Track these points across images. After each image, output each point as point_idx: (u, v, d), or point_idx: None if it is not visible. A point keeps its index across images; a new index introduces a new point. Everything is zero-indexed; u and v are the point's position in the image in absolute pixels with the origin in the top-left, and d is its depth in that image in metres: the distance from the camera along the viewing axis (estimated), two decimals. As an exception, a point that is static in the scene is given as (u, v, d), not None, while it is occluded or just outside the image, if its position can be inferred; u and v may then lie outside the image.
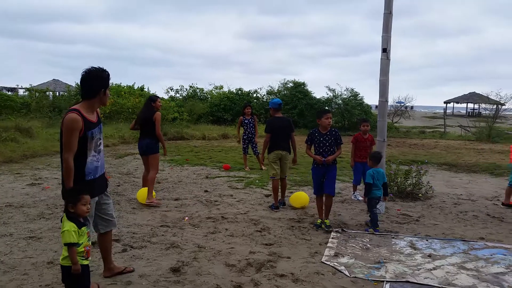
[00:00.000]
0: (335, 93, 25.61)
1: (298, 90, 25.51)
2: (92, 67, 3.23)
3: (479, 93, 42.04)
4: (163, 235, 4.81)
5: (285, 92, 25.91)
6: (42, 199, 6.33)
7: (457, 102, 52.89)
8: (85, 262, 2.94)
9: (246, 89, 27.29)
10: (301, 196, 6.32)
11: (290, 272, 3.83)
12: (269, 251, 4.35)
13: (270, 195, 6.95)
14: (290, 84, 26.20)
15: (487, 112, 27.13)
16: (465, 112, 51.31)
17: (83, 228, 2.93)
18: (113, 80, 31.44)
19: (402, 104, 35.51)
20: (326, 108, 24.52)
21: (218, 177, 8.58)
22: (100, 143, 3.35)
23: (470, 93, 49.56)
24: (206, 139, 17.54)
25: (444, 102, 52.12)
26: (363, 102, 25.84)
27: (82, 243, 2.90)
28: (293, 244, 4.62)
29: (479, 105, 43.60)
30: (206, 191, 7.21)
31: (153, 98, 6.56)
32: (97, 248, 3.72)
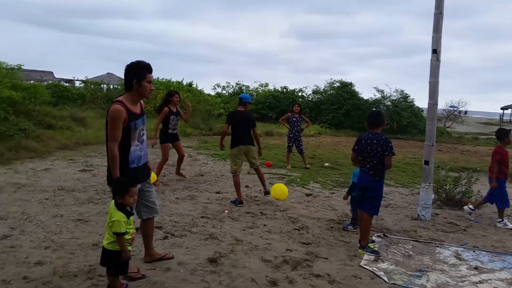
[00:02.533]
0: (384, 94, 24.94)
1: (345, 90, 25.09)
2: (131, 62, 3.35)
3: (541, 100, 39.23)
4: (203, 226, 4.90)
5: (331, 91, 25.56)
6: (92, 185, 6.66)
7: (516, 109, 49.69)
8: (129, 248, 3.06)
9: (291, 87, 27.15)
10: (279, 189, 6.08)
11: (326, 273, 3.77)
12: (306, 250, 4.31)
13: (311, 194, 6.90)
14: (337, 84, 25.80)
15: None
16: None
17: (131, 218, 3.05)
18: (163, 75, 32.35)
19: (455, 109, 33.88)
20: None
21: (260, 173, 8.60)
22: (143, 133, 3.46)
23: (531, 99, 46.39)
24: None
25: (501, 108, 49.19)
26: (414, 104, 24.99)
27: (129, 231, 3.02)
28: (331, 245, 4.55)
29: (541, 113, 40.83)
30: (247, 186, 7.26)
31: (171, 93, 7.25)
32: (139, 234, 3.85)
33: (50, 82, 31.21)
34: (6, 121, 9.99)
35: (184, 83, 23.85)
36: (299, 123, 9.57)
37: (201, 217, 5.27)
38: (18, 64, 11.54)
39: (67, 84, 33.86)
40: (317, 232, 4.96)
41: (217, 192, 6.64)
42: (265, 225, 5.07)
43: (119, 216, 2.97)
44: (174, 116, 7.17)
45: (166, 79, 23.01)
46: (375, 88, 25.52)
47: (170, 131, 7.17)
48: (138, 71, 3.33)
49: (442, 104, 33.06)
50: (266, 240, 4.55)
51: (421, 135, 23.90)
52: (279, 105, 25.63)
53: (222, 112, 21.69)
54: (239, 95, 6.56)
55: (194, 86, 23.82)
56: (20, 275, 3.29)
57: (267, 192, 6.28)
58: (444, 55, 5.91)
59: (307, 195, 6.87)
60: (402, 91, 24.93)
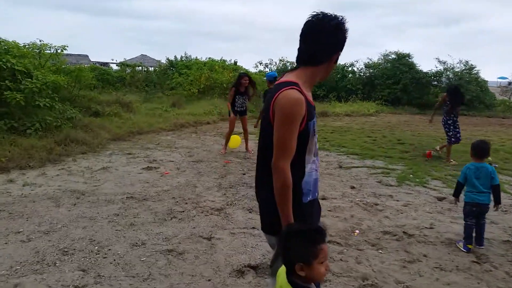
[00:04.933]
0: (447, 66, 22.58)
1: (401, 63, 22.90)
2: (322, 13, 1.86)
3: None
4: (341, 259, 3.46)
5: (386, 64, 23.41)
6: (165, 189, 5.36)
7: None
8: None
9: (341, 62, 25.14)
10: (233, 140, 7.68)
11: None
12: (524, 306, 2.81)
13: (444, 198, 5.34)
14: (392, 55, 23.59)
15: None
16: None
17: None
18: (195, 54, 30.95)
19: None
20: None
21: (354, 167, 7.08)
22: (316, 138, 2.02)
23: None
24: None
25: None
26: (479, 76, 22.51)
27: None
28: (549, 293, 3.02)
29: None
30: (352, 187, 5.76)
31: (240, 76, 7.99)
32: None
33: (87, 65, 30.40)
34: (52, 110, 8.88)
35: (227, 62, 22.40)
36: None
37: (328, 241, 3.84)
38: (62, 45, 10.35)
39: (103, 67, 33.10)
40: (507, 267, 3.42)
41: (323, 198, 5.17)
42: (425, 256, 3.58)
43: None
44: (239, 96, 7.87)
45: (210, 58, 21.61)
46: (436, 59, 23.31)
47: (236, 108, 7.90)
48: (343, 39, 1.88)
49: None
50: (449, 286, 3.07)
51: (488, 110, 21.52)
52: (327, 82, 23.80)
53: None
54: (269, 73, 7.29)
55: (239, 65, 22.29)
56: None
57: None
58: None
59: (440, 199, 5.29)
60: (467, 62, 22.48)
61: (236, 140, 8.05)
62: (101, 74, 21.26)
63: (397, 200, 5.18)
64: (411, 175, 6.41)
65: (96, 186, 5.46)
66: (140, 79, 22.23)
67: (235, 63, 22.21)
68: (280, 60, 27.37)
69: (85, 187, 5.40)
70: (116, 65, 28.32)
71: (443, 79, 22.92)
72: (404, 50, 24.87)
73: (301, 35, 1.88)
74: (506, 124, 15.51)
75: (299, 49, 1.91)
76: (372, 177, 6.33)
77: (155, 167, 6.59)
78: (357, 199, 5.16)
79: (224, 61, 21.84)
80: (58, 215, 4.32)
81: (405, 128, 13.19)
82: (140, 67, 26.77)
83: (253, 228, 4.05)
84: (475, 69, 22.31)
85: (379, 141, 9.77)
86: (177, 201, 4.89)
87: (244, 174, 6.34)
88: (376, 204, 4.98)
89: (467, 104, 21.75)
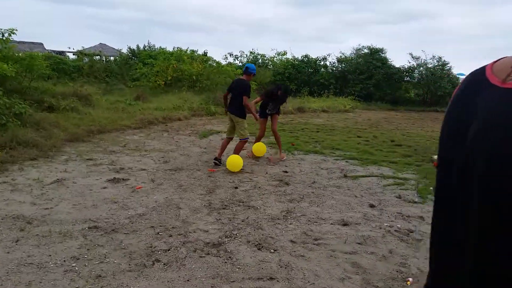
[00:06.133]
0: (420, 61, 22.33)
1: (374, 58, 22.45)
2: None
3: None
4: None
5: (359, 60, 22.85)
6: (140, 213, 4.14)
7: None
8: None
9: (313, 55, 24.41)
10: (234, 162, 5.95)
11: None
12: None
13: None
14: (365, 50, 23.09)
15: None
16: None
17: None
18: (159, 44, 29.19)
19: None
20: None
21: (360, 176, 6.12)
22: None
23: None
24: (281, 113, 15.14)
25: None
26: (452, 73, 22.43)
27: None
28: None
29: None
30: (372, 205, 4.74)
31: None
32: None
33: (42, 54, 27.76)
34: (-6, 104, 7.35)
35: (197, 53, 21.00)
36: None
37: (376, 296, 2.81)
38: (10, 29, 8.72)
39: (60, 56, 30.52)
40: None
41: (344, 224, 4.14)
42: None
43: None
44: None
45: (178, 48, 20.13)
46: (409, 54, 23.03)
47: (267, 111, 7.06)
48: None
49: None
50: None
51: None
52: (300, 76, 23.00)
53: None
54: (247, 64, 6.55)
55: (209, 55, 20.95)
56: None
57: (217, 160, 6.27)
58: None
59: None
60: (440, 58, 22.30)
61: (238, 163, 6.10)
62: (57, 63, 19.28)
63: (432, 224, 4.24)
64: (431, 188, 5.53)
65: (48, 208, 4.16)
66: (99, 69, 20.42)
67: (205, 53, 20.83)
68: (251, 52, 26.29)
69: (34, 210, 4.09)
70: (73, 54, 26.15)
71: (416, 75, 22.69)
72: (346, 47, 24.44)
73: None
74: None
75: None
76: (387, 190, 5.38)
77: (123, 179, 5.33)
78: (386, 224, 4.17)
79: (193, 51, 20.43)
80: (-10, 261, 3.03)
81: (387, 126, 12.52)
82: (99, 56, 24.79)
83: (272, 279, 2.95)
84: (448, 65, 22.21)
85: (373, 142, 8.94)
86: (158, 233, 3.69)
87: (236, 188, 5.21)
88: (411, 231, 4.01)
89: (439, 101, 21.77)
